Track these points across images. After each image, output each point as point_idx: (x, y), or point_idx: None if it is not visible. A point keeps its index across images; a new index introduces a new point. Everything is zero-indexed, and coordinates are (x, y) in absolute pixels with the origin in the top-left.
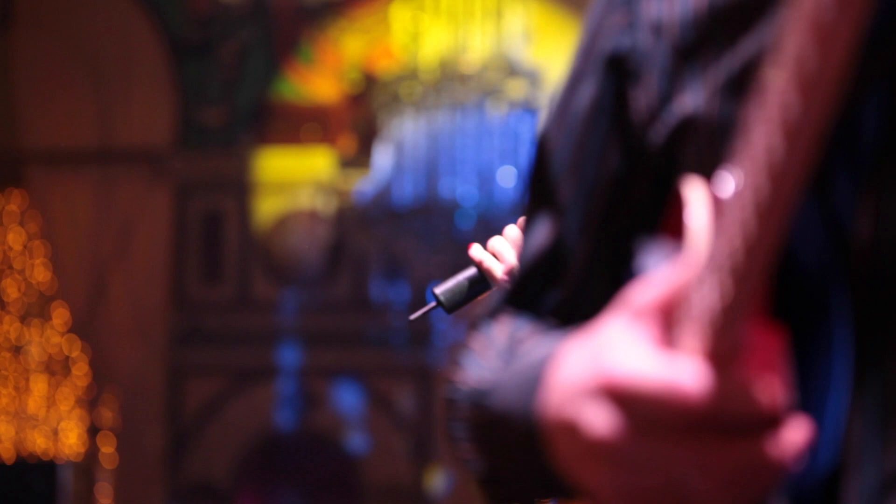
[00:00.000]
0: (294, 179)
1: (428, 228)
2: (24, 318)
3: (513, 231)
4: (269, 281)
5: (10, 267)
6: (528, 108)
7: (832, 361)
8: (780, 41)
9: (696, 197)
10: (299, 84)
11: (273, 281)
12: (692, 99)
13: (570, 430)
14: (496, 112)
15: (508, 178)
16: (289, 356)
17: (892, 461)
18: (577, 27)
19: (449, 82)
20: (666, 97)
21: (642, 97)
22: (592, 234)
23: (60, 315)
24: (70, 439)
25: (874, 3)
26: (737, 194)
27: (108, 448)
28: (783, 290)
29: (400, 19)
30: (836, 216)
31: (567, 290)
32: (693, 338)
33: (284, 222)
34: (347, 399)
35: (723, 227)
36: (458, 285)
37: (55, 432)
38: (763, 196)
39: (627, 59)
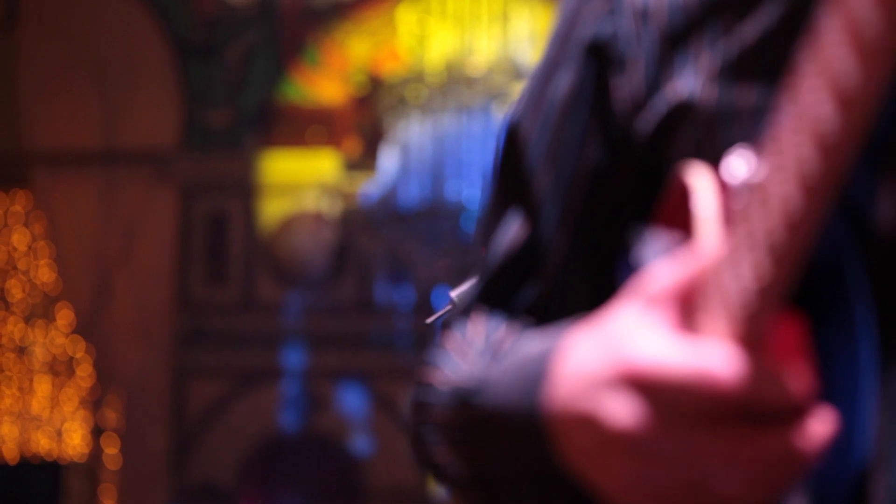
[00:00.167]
0: (299, 182)
1: (433, 231)
2: (28, 319)
3: None
4: (273, 283)
5: (15, 268)
6: None
7: (857, 351)
8: (817, 46)
9: (702, 183)
10: (305, 86)
11: (277, 283)
12: (685, 85)
13: (587, 423)
14: (502, 115)
15: None
16: (293, 358)
17: None
18: None
19: (455, 85)
20: (654, 85)
21: (626, 85)
22: (571, 227)
23: (65, 316)
24: (74, 440)
25: None
26: (775, 170)
27: (111, 449)
28: (800, 278)
29: (406, 22)
30: (852, 201)
31: (543, 286)
32: (719, 323)
33: (289, 224)
34: (352, 401)
35: (754, 207)
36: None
37: (59, 433)
38: (811, 169)
39: (609, 46)
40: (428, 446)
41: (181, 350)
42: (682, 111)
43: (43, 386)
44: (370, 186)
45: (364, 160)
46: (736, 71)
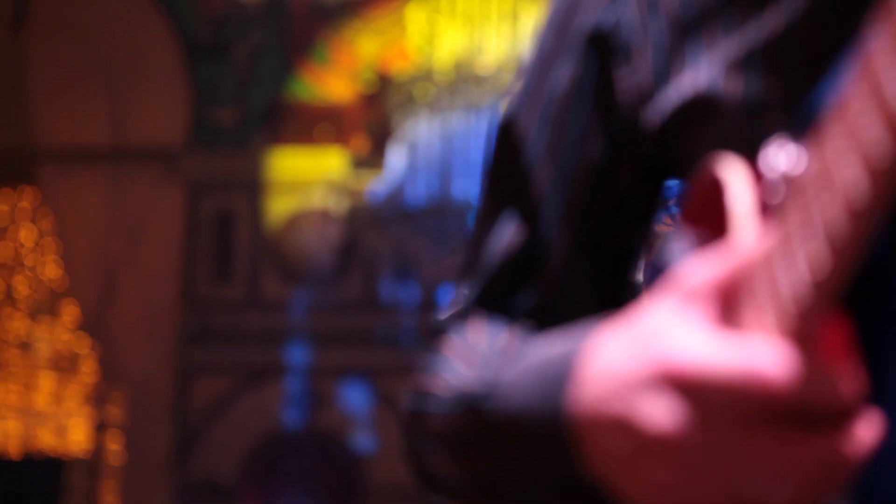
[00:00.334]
0: (306, 179)
1: (440, 229)
2: (33, 315)
3: None
4: (279, 280)
5: (21, 264)
6: None
7: None
8: (865, 64)
9: (736, 177)
10: (313, 84)
11: (283, 280)
12: (702, 76)
13: (621, 427)
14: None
15: None
16: (297, 355)
17: None
18: None
19: (464, 84)
20: (663, 75)
21: (631, 76)
22: (572, 225)
23: (70, 312)
24: (77, 436)
25: None
26: (838, 154)
27: (115, 445)
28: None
29: (415, 20)
30: None
31: (545, 288)
32: (766, 319)
33: (296, 222)
34: (355, 399)
35: (811, 194)
36: None
37: (62, 429)
38: (879, 151)
39: (612, 35)
40: (426, 458)
41: (186, 347)
42: (701, 103)
43: (47, 382)
44: (377, 184)
45: (372, 158)
46: (762, 61)
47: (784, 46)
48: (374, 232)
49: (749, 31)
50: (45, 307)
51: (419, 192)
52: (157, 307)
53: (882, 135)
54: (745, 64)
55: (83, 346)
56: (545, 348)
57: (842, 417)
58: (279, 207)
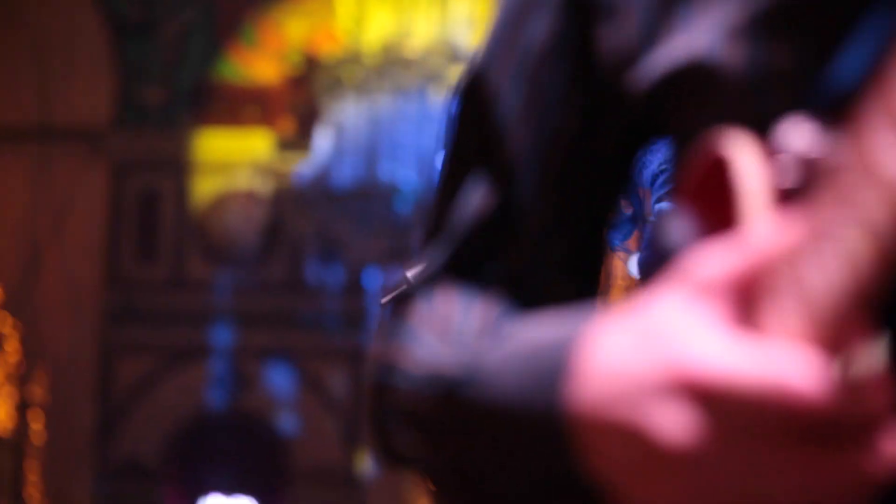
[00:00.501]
0: (232, 160)
1: (366, 212)
2: None
3: None
4: (204, 261)
5: None
6: None
7: None
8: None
9: (744, 156)
10: (240, 65)
11: (208, 261)
12: (697, 41)
13: (630, 434)
14: (437, 97)
15: None
16: (222, 336)
17: None
18: None
19: (392, 67)
20: (649, 37)
21: (614, 36)
22: (549, 191)
23: None
24: None
25: None
26: (879, 142)
27: (37, 425)
28: None
29: (344, 3)
30: None
31: (518, 257)
32: (790, 321)
33: (221, 203)
34: (279, 380)
35: (849, 183)
36: None
37: None
38: None
39: None
40: (392, 436)
41: (110, 327)
42: (695, 72)
43: None
44: (304, 166)
45: (298, 140)
46: (769, 27)
47: (794, 11)
48: (299, 214)
49: None
50: None
51: (345, 174)
52: (81, 287)
53: None
54: (749, 30)
55: (6, 325)
56: (533, 332)
57: (871, 432)
58: (205, 188)
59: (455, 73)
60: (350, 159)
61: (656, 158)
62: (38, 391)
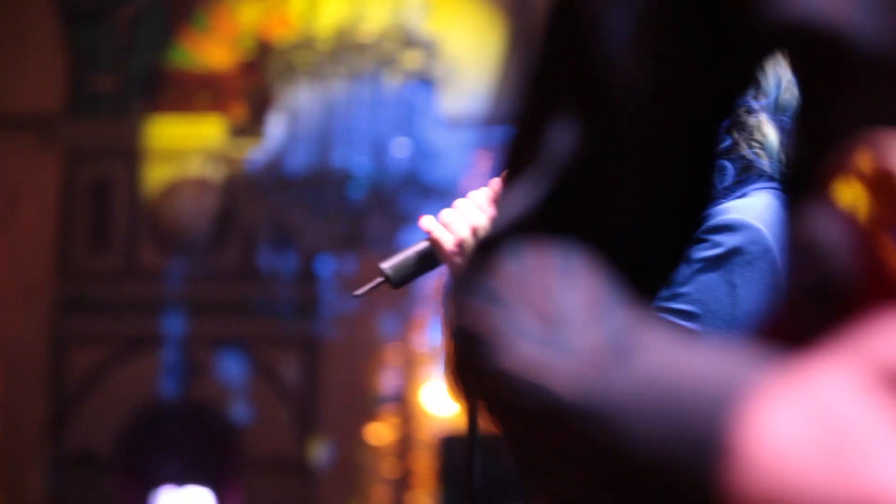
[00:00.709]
0: (185, 147)
1: (319, 198)
2: None
3: (463, 203)
4: (156, 249)
5: None
6: (424, 80)
7: None
8: None
9: None
10: (193, 51)
11: (161, 249)
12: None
13: None
14: (392, 82)
15: (402, 149)
16: (174, 325)
17: None
18: (473, 2)
19: (345, 52)
20: None
21: None
22: (661, 134)
23: None
24: None
25: None
26: None
27: None
28: None
29: None
30: None
31: (623, 204)
32: None
33: (173, 190)
34: (232, 369)
35: None
36: (406, 260)
37: None
38: None
39: None
40: (477, 392)
41: (62, 316)
42: (829, 45)
43: None
44: (256, 153)
45: (251, 126)
46: None
47: None
48: (252, 201)
49: None
50: None
51: (298, 160)
52: (32, 276)
53: None
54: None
55: None
56: (673, 364)
57: None
58: (157, 176)
59: (408, 58)
60: (303, 145)
61: None
62: None
